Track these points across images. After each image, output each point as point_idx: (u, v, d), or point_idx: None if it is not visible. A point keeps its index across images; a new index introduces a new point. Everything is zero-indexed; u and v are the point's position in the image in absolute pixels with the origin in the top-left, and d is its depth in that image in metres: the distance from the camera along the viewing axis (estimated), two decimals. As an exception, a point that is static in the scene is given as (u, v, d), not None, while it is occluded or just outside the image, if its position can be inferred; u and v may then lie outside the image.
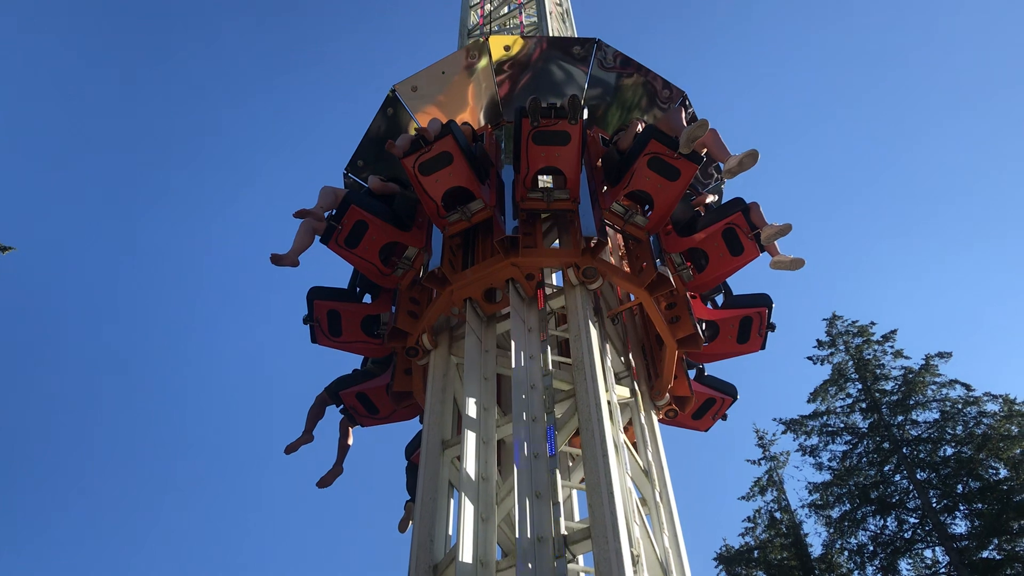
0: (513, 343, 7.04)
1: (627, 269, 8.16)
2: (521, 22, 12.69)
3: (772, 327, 8.68)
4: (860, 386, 27.79)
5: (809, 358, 28.83)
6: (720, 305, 8.82)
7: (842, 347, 28.59)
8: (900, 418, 27.05)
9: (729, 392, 9.04)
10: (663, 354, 8.04)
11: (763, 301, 8.64)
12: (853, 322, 29.11)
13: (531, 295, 7.62)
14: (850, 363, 28.23)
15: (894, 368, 27.95)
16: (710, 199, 9.07)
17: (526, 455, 6.11)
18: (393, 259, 8.31)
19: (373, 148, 9.65)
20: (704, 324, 8.42)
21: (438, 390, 7.40)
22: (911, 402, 27.15)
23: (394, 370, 8.46)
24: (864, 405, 27.52)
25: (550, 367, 6.79)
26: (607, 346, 7.57)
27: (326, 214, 8.23)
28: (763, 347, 8.76)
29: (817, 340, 28.97)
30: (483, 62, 9.44)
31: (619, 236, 8.87)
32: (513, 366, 6.81)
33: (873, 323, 28.95)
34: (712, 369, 9.31)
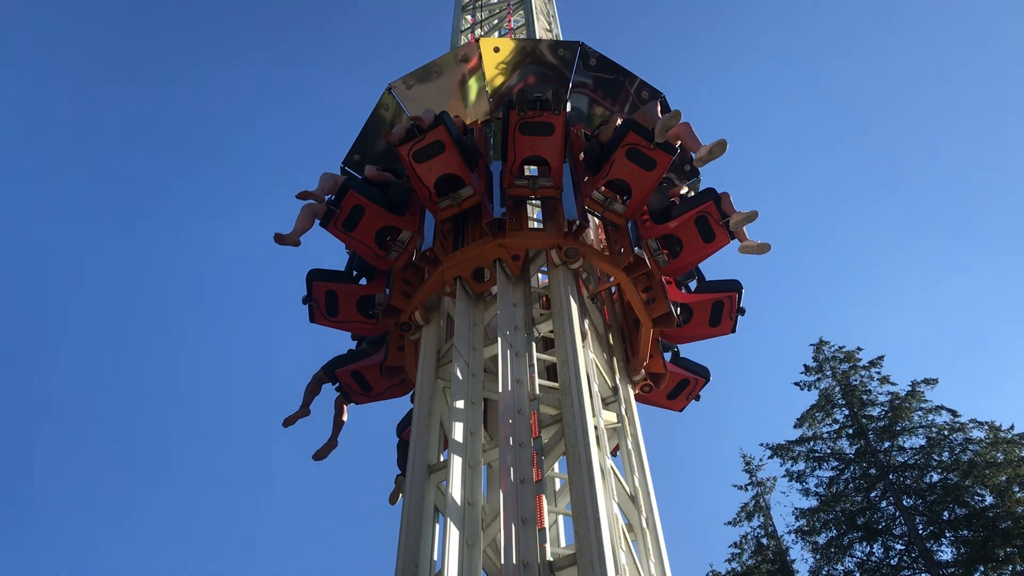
0: (500, 361, 7.22)
1: (607, 254, 8.94)
2: (510, 26, 13.62)
3: (742, 311, 9.44)
4: (847, 412, 28.52)
5: (796, 383, 29.61)
6: (693, 290, 9.61)
7: (829, 373, 29.36)
8: (887, 444, 27.74)
9: (702, 373, 9.77)
10: (640, 335, 8.81)
11: (734, 286, 9.42)
12: (840, 348, 29.92)
13: (517, 274, 8.37)
14: (837, 389, 28.98)
15: (880, 394, 28.74)
16: (684, 190, 9.89)
17: (512, 480, 6.23)
18: (388, 242, 9.06)
19: (369, 143, 10.45)
20: (679, 307, 9.19)
21: (424, 413, 7.54)
22: (897, 428, 27.87)
23: (387, 347, 9.16)
24: (851, 431, 28.22)
25: (537, 392, 6.96)
26: (592, 357, 8.01)
27: (326, 198, 9.01)
28: (733, 330, 9.53)
29: (804, 365, 29.78)
30: (473, 62, 10.31)
31: (600, 230, 9.65)
32: (500, 390, 7.01)
33: (860, 349, 29.78)
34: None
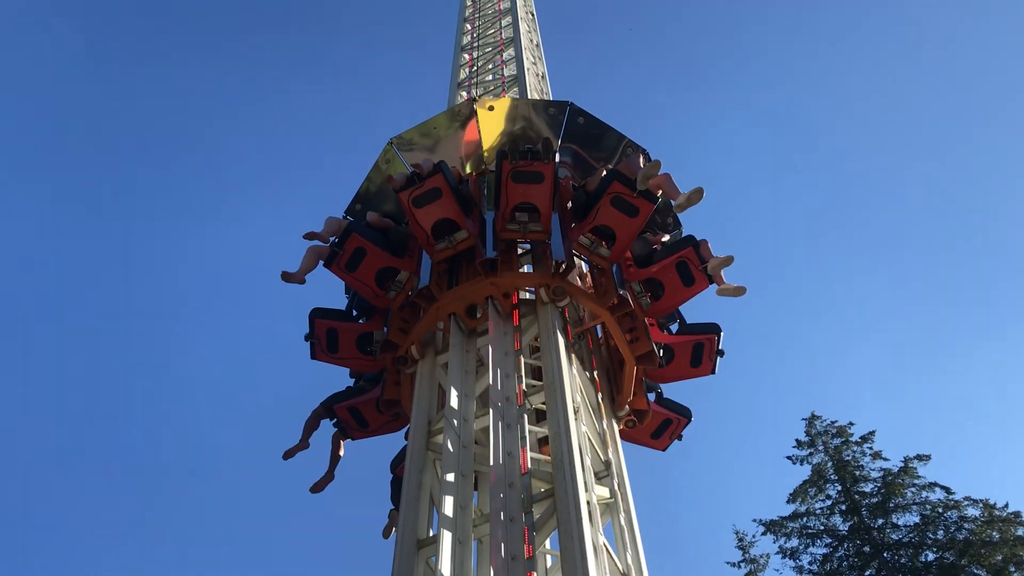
0: (491, 433, 7.36)
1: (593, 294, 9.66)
2: (503, 79, 14.72)
3: (721, 353, 10.13)
4: (839, 487, 28.75)
5: (788, 458, 29.89)
6: (675, 332, 10.30)
7: (821, 447, 29.67)
8: (880, 521, 27.88)
9: (684, 413, 10.39)
10: (624, 374, 9.48)
11: (713, 329, 10.12)
12: (832, 422, 30.30)
13: (507, 312, 9.07)
14: (829, 464, 29.25)
15: (873, 470, 28.99)
16: (666, 238, 10.67)
17: (503, 556, 6.29)
18: (387, 282, 9.78)
19: (369, 192, 11.29)
20: (661, 348, 9.87)
21: (413, 486, 7.63)
22: (891, 505, 28.03)
23: (384, 382, 9.80)
24: (844, 507, 28.37)
25: (529, 465, 7.08)
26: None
27: (330, 240, 9.78)
28: (713, 371, 10.19)
29: (796, 440, 30.11)
30: (468, 119, 11.25)
31: (588, 277, 10.37)
32: (491, 463, 7.13)
33: (852, 423, 30.17)
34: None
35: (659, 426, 10.30)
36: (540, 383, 8.33)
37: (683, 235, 10.23)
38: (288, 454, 10.11)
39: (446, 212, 9.43)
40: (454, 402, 8.06)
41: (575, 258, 9.79)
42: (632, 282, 9.77)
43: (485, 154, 11.36)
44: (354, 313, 10.36)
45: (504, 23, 17.41)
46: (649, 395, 10.22)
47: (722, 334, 10.09)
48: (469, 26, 18.11)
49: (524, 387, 8.01)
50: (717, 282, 9.65)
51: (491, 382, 8.00)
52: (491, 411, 7.61)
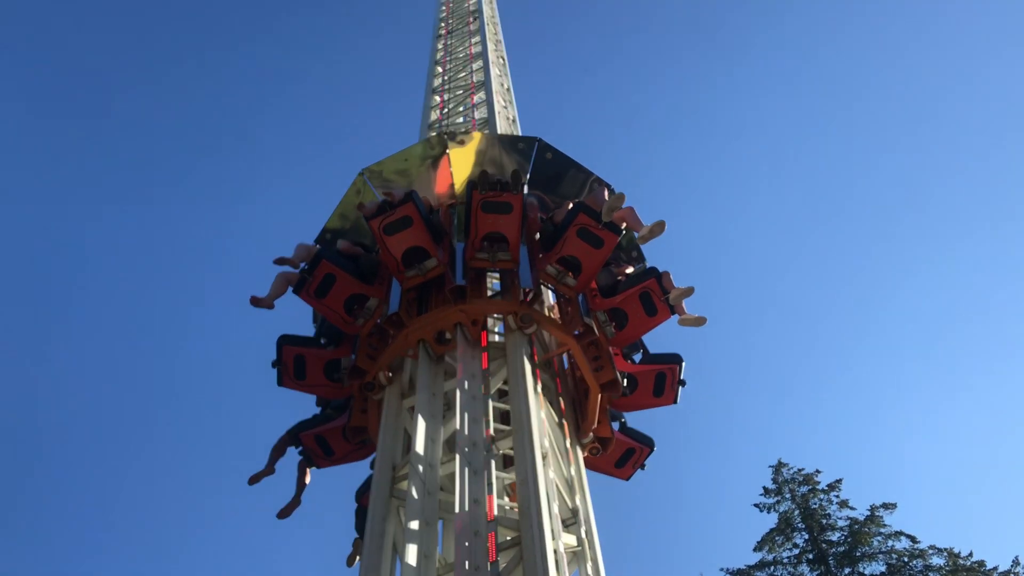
0: (457, 480, 7.42)
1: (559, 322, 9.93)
2: (473, 123, 15.14)
3: (683, 383, 10.40)
4: (807, 536, 28.92)
5: (756, 505, 30.04)
6: (638, 362, 10.56)
7: (788, 495, 29.88)
8: (847, 570, 28.04)
9: (647, 443, 10.60)
10: (589, 401, 9.71)
11: (675, 359, 10.41)
12: (799, 470, 30.56)
13: (475, 338, 9.29)
14: (796, 512, 29.45)
15: (840, 518, 29.21)
16: (629, 270, 10.98)
17: None
18: (356, 309, 9.96)
19: (340, 221, 11.54)
20: (625, 376, 10.12)
21: (376, 534, 7.62)
22: (858, 554, 28.25)
23: (351, 409, 9.94)
24: (811, 556, 28.49)
25: (495, 512, 7.12)
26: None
27: (301, 266, 9.97)
28: (675, 401, 10.45)
29: (764, 488, 30.29)
30: (440, 154, 11.57)
31: (556, 309, 10.63)
32: (456, 511, 7.14)
33: (818, 471, 30.43)
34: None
35: (623, 455, 10.51)
36: (508, 427, 8.48)
37: (647, 267, 10.53)
38: (253, 479, 10.18)
39: (417, 240, 9.68)
40: (420, 447, 8.04)
41: (543, 288, 10.07)
42: (597, 311, 10.03)
43: (457, 189, 11.66)
44: (322, 341, 10.51)
45: (475, 67, 17.93)
46: (613, 424, 10.44)
47: (684, 364, 10.37)
48: (440, 68, 18.63)
49: (492, 431, 8.12)
50: (679, 312, 9.95)
51: (458, 427, 8.11)
52: (457, 456, 7.67)
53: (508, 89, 17.49)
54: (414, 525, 7.25)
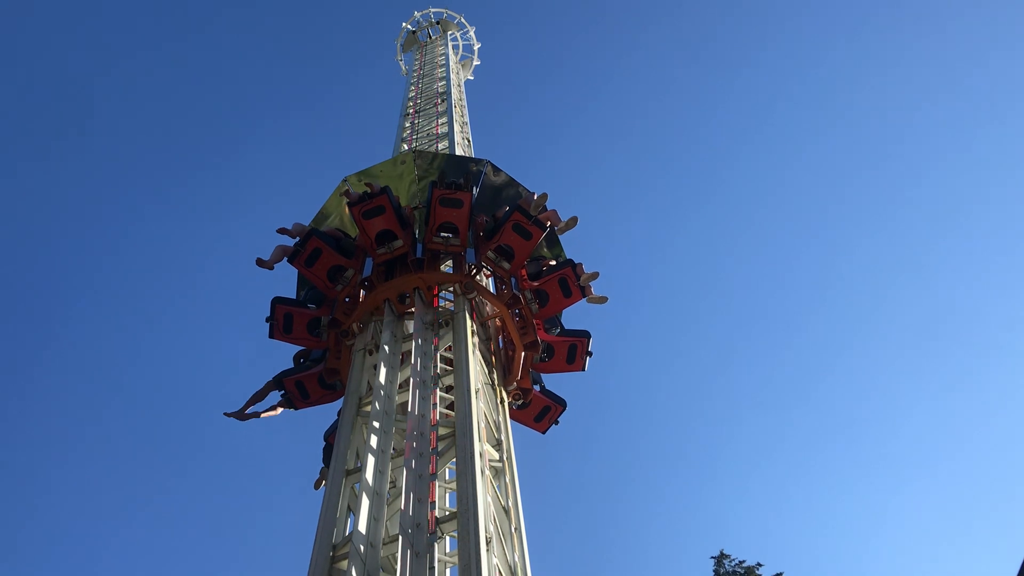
0: (410, 404, 10.14)
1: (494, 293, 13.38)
2: (437, 107, 18.82)
3: (590, 353, 13.85)
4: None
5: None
6: (556, 335, 14.01)
7: (729, 589, 32.01)
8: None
9: (560, 402, 13.94)
10: (515, 358, 13.12)
11: (584, 334, 13.86)
12: (740, 562, 32.59)
13: (428, 300, 12.65)
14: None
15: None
16: (552, 262, 14.51)
17: (413, 469, 9.23)
18: (337, 277, 13.27)
19: (324, 219, 14.92)
20: (545, 344, 13.54)
21: (347, 423, 11.24)
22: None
23: (327, 356, 13.18)
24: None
25: (437, 418, 10.21)
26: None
27: (295, 240, 13.33)
28: (584, 368, 13.87)
29: (703, 581, 32.37)
30: (410, 166, 15.15)
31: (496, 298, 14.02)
32: (408, 421, 10.10)
33: (760, 564, 32.44)
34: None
35: (540, 411, 13.84)
36: (451, 368, 11.67)
37: (566, 259, 14.10)
38: (231, 415, 13.30)
39: (388, 224, 13.10)
40: (382, 378, 11.02)
41: (484, 271, 13.56)
42: (525, 291, 13.50)
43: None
44: (309, 307, 13.78)
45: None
46: (535, 387, 13.81)
47: (591, 338, 13.85)
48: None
49: (438, 371, 11.29)
50: (587, 293, 13.47)
51: (412, 363, 11.09)
52: (411, 382, 10.72)
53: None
54: (376, 423, 10.21)
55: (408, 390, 10.98)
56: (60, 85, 54.23)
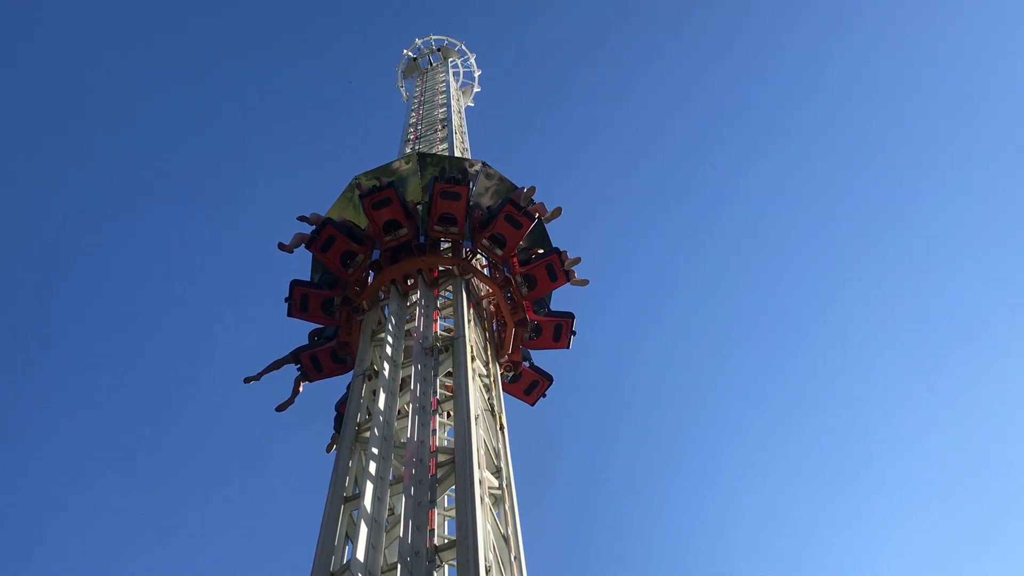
0: (409, 428, 11.34)
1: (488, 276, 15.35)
2: (437, 133, 20.87)
3: (574, 333, 15.81)
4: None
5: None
6: (544, 315, 15.97)
7: None
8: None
9: (547, 377, 15.91)
10: (506, 334, 15.08)
11: (569, 315, 15.84)
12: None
13: (430, 280, 14.60)
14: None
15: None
16: (540, 251, 16.49)
17: (412, 503, 9.32)
18: (348, 261, 15.22)
19: (337, 212, 16.88)
20: (533, 323, 15.50)
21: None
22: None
23: (340, 331, 15.12)
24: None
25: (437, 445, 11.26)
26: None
27: (311, 228, 15.33)
28: (568, 346, 15.83)
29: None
30: (415, 166, 17.18)
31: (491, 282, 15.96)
32: (407, 446, 10.73)
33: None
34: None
35: (530, 384, 15.80)
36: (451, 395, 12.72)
37: (552, 247, 16.11)
38: (247, 380, 15.18)
39: (394, 215, 15.08)
40: (381, 404, 11.63)
41: (479, 258, 15.54)
42: (516, 275, 15.46)
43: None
44: (322, 288, 15.73)
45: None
46: (524, 363, 15.77)
47: (575, 318, 15.82)
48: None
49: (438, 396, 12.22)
50: (571, 277, 15.48)
51: (411, 389, 11.77)
52: (410, 408, 11.15)
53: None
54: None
55: (407, 416, 11.37)
56: (70, 86, 56.36)
